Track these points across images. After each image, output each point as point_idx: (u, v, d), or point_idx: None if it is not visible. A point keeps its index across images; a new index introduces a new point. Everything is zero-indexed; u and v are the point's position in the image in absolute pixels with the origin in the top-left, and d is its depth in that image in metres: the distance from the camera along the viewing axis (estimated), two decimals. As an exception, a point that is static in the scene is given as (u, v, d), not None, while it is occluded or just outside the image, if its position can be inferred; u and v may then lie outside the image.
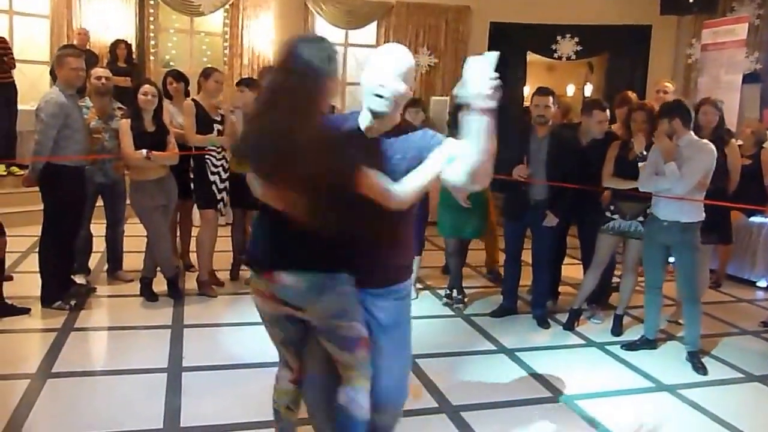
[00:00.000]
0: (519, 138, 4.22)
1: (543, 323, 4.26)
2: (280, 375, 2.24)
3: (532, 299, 4.46)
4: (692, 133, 3.60)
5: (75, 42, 7.03)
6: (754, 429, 2.97)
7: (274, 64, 1.97)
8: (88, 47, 7.14)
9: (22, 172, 5.13)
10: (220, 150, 4.41)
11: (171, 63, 8.39)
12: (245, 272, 4.89)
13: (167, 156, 4.18)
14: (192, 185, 4.46)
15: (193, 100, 4.46)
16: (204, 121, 4.37)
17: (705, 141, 3.60)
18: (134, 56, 7.54)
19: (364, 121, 1.99)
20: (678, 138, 3.56)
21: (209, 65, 5.52)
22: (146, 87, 4.12)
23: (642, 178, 3.70)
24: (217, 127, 4.42)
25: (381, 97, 1.91)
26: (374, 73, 1.92)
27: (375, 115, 1.95)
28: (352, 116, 2.05)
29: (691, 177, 3.50)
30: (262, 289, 1.97)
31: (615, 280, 4.64)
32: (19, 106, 6.63)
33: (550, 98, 4.08)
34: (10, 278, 4.59)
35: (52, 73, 6.82)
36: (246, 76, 5.40)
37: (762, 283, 5.56)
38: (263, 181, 1.88)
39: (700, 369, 3.62)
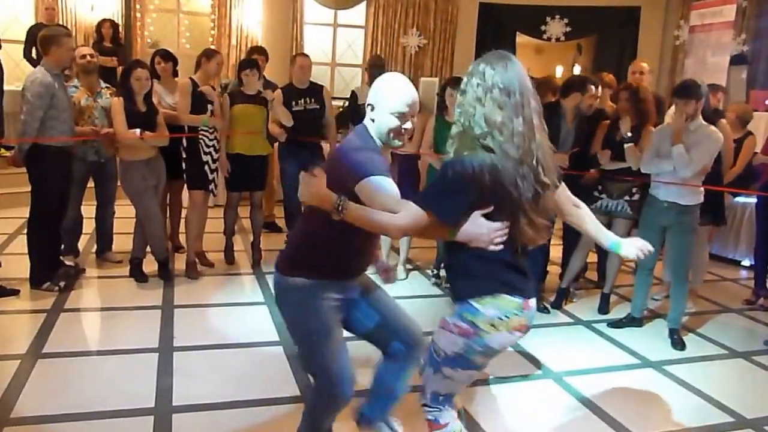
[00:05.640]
0: None
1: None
2: (453, 415, 2.07)
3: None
4: (701, 117, 3.58)
5: (43, 19, 6.76)
6: (738, 403, 3.04)
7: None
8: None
9: (9, 154, 5.07)
10: (212, 131, 4.38)
11: (157, 43, 8.26)
12: (238, 252, 4.90)
13: (159, 137, 4.16)
14: (183, 165, 4.41)
15: (190, 79, 4.40)
16: (198, 102, 4.33)
17: (714, 128, 3.56)
18: (120, 36, 7.41)
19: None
20: (691, 121, 3.54)
21: (206, 47, 5.47)
22: (139, 71, 4.07)
23: (644, 160, 3.70)
24: (210, 107, 4.38)
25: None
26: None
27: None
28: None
29: (699, 162, 3.50)
30: (524, 323, 1.91)
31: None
32: (5, 87, 6.51)
33: None
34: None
35: (25, 53, 6.64)
36: (246, 58, 5.31)
37: (746, 263, 5.64)
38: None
39: (679, 345, 3.70)
